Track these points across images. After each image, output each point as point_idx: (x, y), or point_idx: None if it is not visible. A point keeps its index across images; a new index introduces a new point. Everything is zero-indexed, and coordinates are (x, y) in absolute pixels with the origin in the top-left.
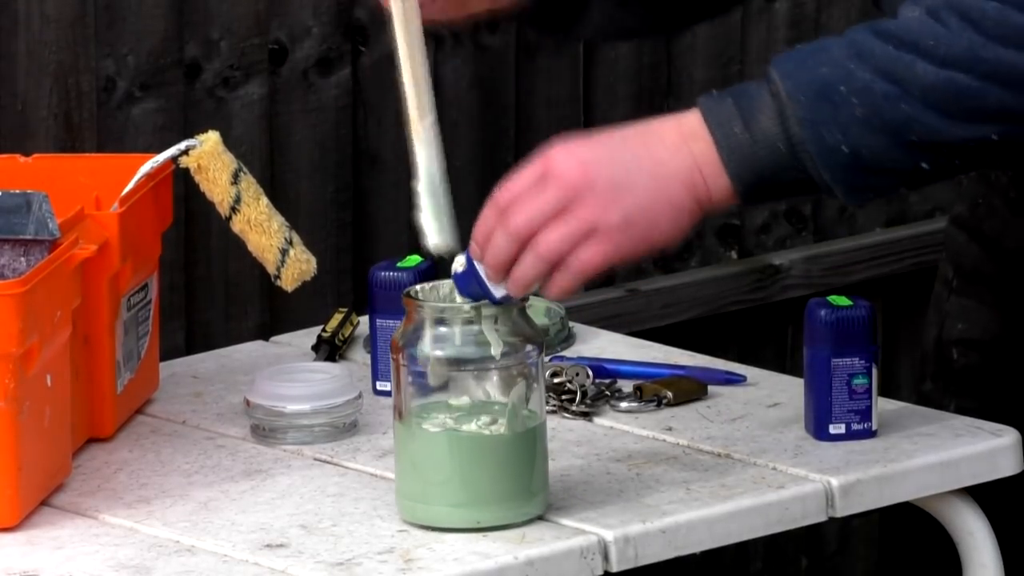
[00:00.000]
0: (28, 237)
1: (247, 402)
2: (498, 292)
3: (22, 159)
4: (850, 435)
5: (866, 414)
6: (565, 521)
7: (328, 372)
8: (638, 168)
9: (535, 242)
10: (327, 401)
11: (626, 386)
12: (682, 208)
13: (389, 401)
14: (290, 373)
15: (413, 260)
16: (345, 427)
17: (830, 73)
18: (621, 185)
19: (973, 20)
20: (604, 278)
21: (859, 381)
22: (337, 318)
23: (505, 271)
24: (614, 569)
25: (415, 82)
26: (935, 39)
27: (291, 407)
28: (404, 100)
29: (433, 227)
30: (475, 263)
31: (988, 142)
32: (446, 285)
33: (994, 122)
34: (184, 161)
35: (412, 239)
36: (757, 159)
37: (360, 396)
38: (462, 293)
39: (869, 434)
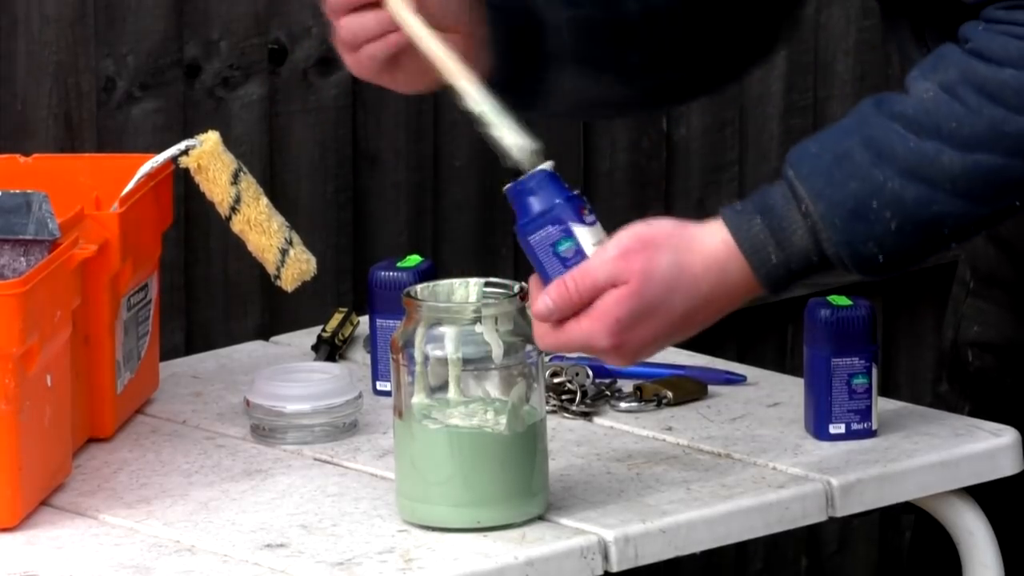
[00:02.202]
0: (28, 237)
1: (247, 402)
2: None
3: (22, 159)
4: (850, 435)
5: (866, 414)
6: (565, 521)
7: (328, 372)
8: (673, 333)
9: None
10: (327, 401)
11: (626, 386)
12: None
13: (389, 401)
14: (290, 373)
15: (413, 260)
16: (345, 427)
17: (859, 188)
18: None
19: (991, 93)
20: None
21: (859, 381)
22: (337, 318)
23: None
24: (614, 569)
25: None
26: (957, 120)
27: (291, 407)
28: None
29: (512, 132)
30: (557, 244)
31: (1011, 208)
32: (446, 285)
33: (1017, 193)
34: (184, 161)
35: (412, 239)
36: (791, 272)
37: (360, 396)
38: (517, 195)
39: (869, 434)
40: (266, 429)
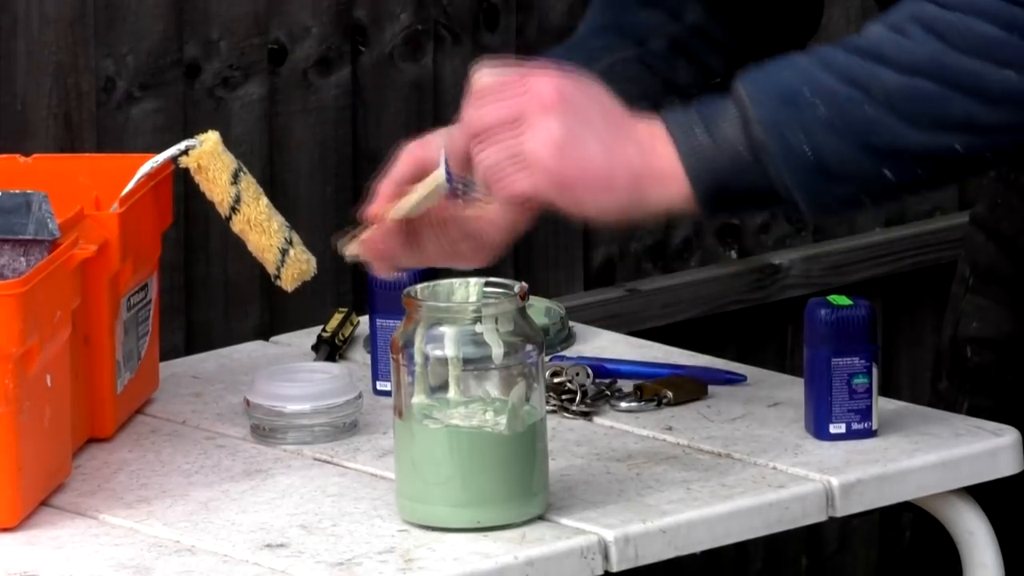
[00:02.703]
0: (28, 237)
1: (247, 402)
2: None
3: (22, 159)
4: (850, 434)
5: (866, 413)
6: (565, 521)
7: (328, 372)
8: (600, 137)
9: (477, 159)
10: (327, 401)
11: (626, 386)
12: (618, 192)
13: (389, 401)
14: (290, 373)
15: None
16: (345, 427)
17: (793, 77)
18: (577, 137)
19: (937, 31)
20: (603, 278)
21: (859, 380)
22: (337, 318)
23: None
24: (614, 569)
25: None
26: (899, 48)
27: (291, 407)
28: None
29: None
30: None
31: (952, 153)
32: (446, 285)
33: (958, 131)
34: (184, 161)
35: None
36: (718, 163)
37: (360, 396)
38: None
39: (869, 433)
40: (266, 429)
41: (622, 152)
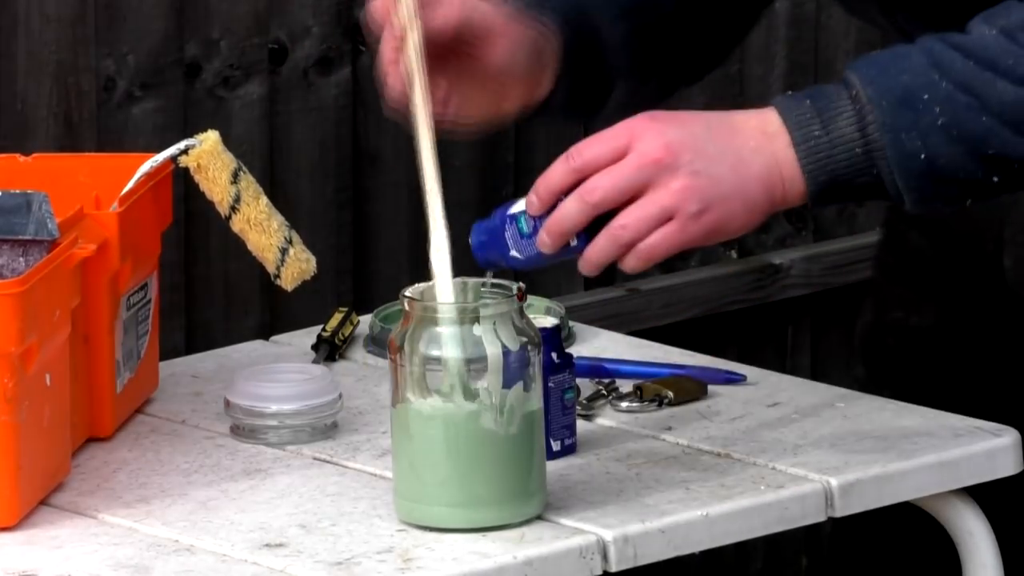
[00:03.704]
0: (28, 237)
1: (227, 402)
2: (523, 252)
3: (22, 159)
4: (564, 451)
5: (575, 428)
6: (564, 521)
7: (308, 373)
8: (721, 160)
9: (611, 224)
10: (307, 402)
11: (626, 386)
12: (756, 206)
13: (388, 401)
14: (270, 373)
15: None
16: (325, 428)
17: (912, 81)
18: (703, 174)
19: None
20: (603, 278)
21: (570, 396)
22: (337, 318)
23: (568, 237)
24: (613, 569)
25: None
26: (1014, 59)
27: (271, 407)
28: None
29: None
30: (516, 219)
31: None
32: None
33: None
34: (184, 160)
35: (412, 239)
36: (833, 161)
37: (340, 397)
38: (479, 249)
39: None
40: (246, 429)
41: (748, 171)
